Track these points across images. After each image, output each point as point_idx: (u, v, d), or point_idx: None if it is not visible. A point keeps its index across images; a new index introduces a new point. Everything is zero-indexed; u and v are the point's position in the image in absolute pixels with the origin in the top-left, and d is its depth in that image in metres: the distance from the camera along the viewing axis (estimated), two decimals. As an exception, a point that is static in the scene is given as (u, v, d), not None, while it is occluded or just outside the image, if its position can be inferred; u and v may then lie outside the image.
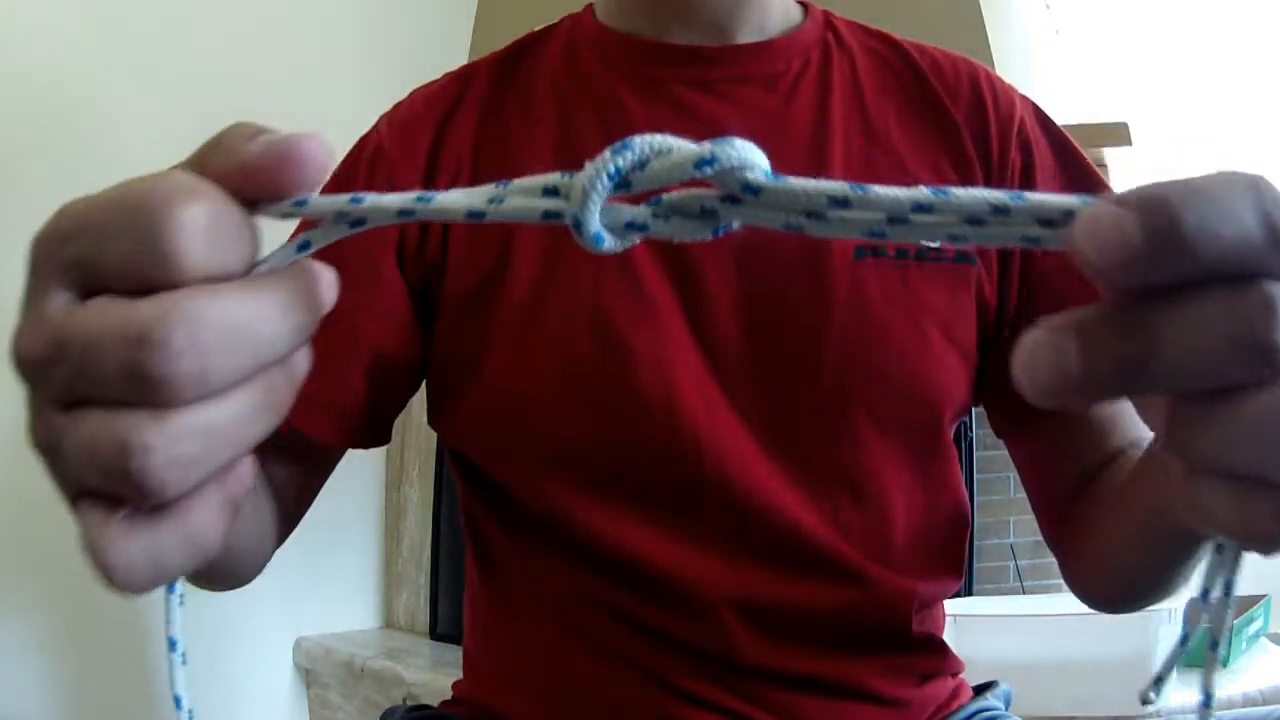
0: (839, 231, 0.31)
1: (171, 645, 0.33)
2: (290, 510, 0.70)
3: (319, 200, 0.31)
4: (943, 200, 0.29)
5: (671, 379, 0.66)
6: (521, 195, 0.32)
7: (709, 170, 0.31)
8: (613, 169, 0.31)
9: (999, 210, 0.28)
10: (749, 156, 0.31)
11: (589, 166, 0.31)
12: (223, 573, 0.64)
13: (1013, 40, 1.84)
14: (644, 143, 0.31)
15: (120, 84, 1.58)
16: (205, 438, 0.28)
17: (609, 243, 0.32)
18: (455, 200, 0.32)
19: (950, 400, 0.69)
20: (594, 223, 0.31)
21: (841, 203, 0.30)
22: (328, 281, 0.30)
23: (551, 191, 0.32)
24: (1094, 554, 0.66)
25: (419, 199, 0.31)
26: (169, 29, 1.63)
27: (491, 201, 0.32)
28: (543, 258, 0.68)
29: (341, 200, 0.31)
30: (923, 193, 0.29)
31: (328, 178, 0.30)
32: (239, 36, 1.72)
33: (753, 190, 0.31)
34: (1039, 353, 0.26)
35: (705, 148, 0.31)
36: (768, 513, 0.66)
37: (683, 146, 0.31)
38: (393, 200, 0.31)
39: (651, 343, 0.66)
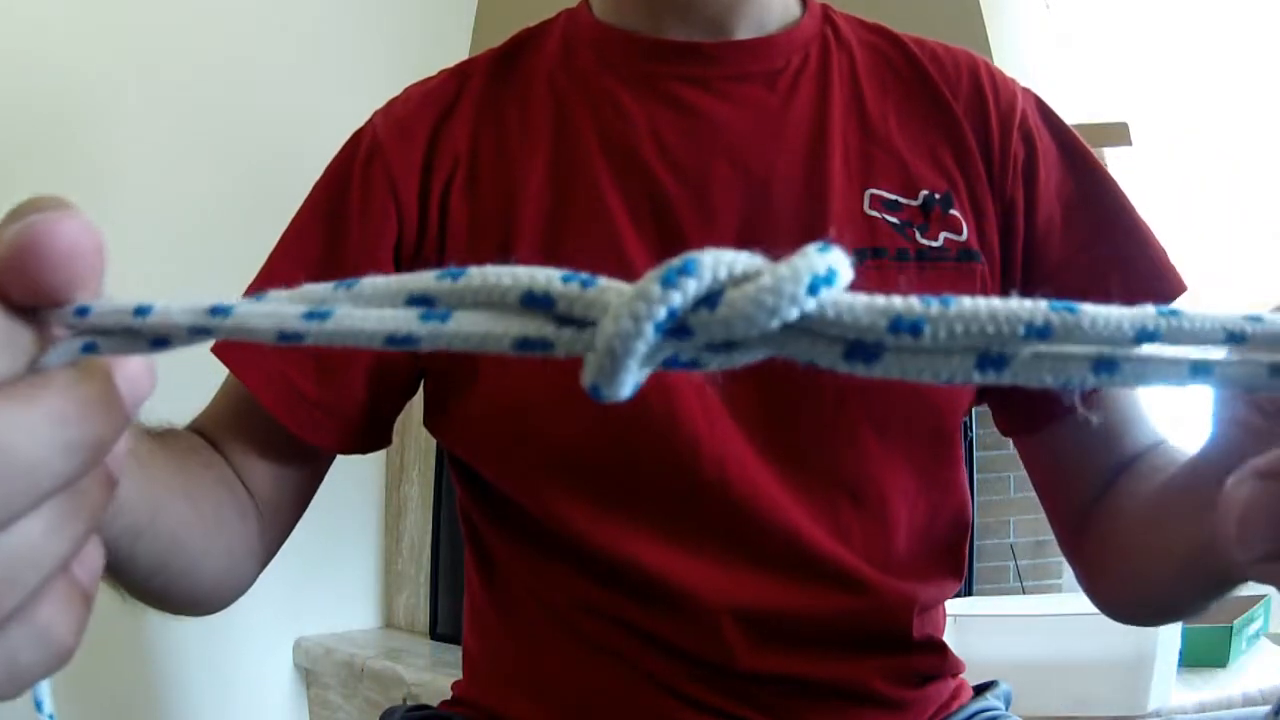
0: (1024, 377, 0.22)
1: (38, 706, 0.28)
2: (283, 518, 0.70)
3: (102, 309, 0.24)
4: (1175, 325, 0.21)
5: (670, 384, 0.65)
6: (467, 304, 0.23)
7: (825, 292, 0.20)
8: (663, 314, 0.20)
9: (1234, 336, 0.21)
10: (845, 272, 0.21)
11: (624, 304, 0.20)
12: (204, 605, 0.64)
13: (1013, 39, 1.84)
14: (716, 263, 0.20)
15: (120, 82, 1.58)
16: (5, 565, 0.24)
17: (631, 391, 0.22)
18: (262, 317, 0.24)
19: (953, 404, 0.69)
20: (626, 387, 0.21)
21: (1040, 332, 0.21)
22: (128, 378, 0.25)
23: (541, 300, 0.22)
24: (1126, 574, 0.65)
25: (213, 311, 0.24)
26: (169, 28, 1.63)
27: (312, 318, 0.23)
28: (542, 261, 0.67)
29: (125, 311, 0.25)
30: (1148, 314, 0.21)
31: (99, 273, 0.25)
32: (238, 35, 1.72)
33: (911, 328, 0.20)
34: (1258, 506, 0.24)
35: (815, 260, 0.20)
36: (767, 519, 0.66)
37: (774, 267, 0.20)
38: (183, 314, 0.24)
39: None
